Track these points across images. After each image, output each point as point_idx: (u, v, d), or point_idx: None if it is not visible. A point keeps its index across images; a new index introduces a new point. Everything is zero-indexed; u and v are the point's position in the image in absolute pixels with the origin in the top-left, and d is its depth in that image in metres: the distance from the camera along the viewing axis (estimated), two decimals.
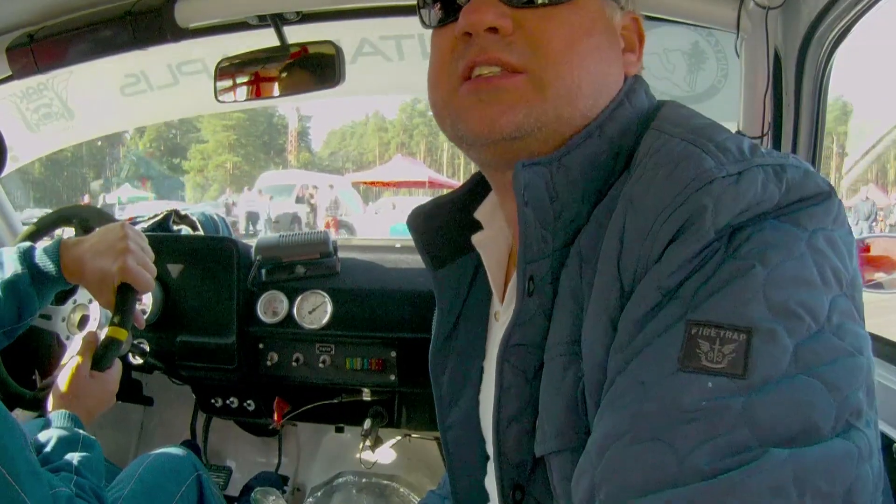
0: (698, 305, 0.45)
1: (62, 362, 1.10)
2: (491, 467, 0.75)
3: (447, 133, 0.66)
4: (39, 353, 1.40)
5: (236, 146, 38.43)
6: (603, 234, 0.54)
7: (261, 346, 1.57)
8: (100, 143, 36.55)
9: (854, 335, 0.44)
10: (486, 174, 0.70)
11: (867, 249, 1.39)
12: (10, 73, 1.33)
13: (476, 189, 0.76)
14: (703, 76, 1.73)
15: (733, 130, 1.06)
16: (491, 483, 0.75)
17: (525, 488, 0.62)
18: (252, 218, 16.86)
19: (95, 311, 1.45)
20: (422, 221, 0.76)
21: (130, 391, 1.89)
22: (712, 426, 0.40)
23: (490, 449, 0.72)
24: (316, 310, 1.54)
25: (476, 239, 0.74)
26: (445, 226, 0.76)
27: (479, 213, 0.75)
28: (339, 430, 1.87)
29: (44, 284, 1.09)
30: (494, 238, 0.73)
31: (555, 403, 0.56)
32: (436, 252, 0.77)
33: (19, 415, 1.24)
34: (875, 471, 0.41)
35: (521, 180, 0.58)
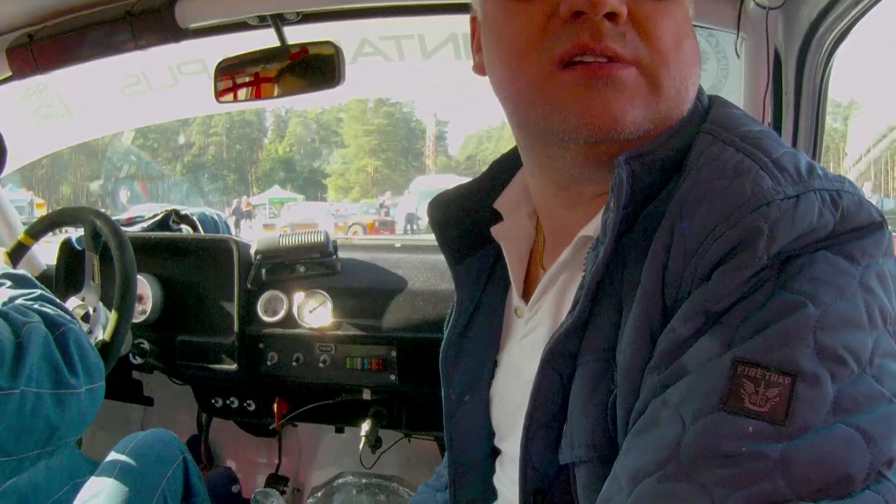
0: (745, 340, 0.43)
1: None
2: (500, 465, 0.75)
3: (533, 124, 0.58)
4: None
5: (377, 151, 39.96)
6: (648, 239, 0.52)
7: (261, 345, 1.57)
8: (238, 146, 39.41)
9: (892, 377, 0.43)
10: (547, 170, 0.63)
11: None
12: (10, 73, 1.33)
13: (497, 178, 0.74)
14: (703, 76, 1.72)
15: None
16: (501, 482, 0.74)
17: (547, 493, 0.60)
18: (410, 219, 18.17)
19: (99, 312, 1.45)
20: (441, 211, 0.74)
21: (130, 391, 1.89)
22: (749, 473, 0.39)
23: (505, 449, 0.72)
24: (316, 310, 1.54)
25: (496, 231, 0.72)
26: (465, 216, 0.73)
27: (500, 204, 0.72)
28: (339, 430, 1.87)
29: None
30: (516, 230, 0.71)
31: (585, 411, 0.54)
32: (455, 245, 0.74)
33: None
34: None
35: (624, 177, 0.53)
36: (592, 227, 0.60)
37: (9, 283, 1.07)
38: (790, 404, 0.41)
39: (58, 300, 1.07)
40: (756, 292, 0.45)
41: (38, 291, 1.06)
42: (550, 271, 0.65)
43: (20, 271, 1.14)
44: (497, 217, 0.73)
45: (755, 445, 0.40)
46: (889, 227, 0.49)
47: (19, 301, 1.01)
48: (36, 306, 0.99)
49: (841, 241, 0.46)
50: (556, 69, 0.54)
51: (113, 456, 1.15)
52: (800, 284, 0.44)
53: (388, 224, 18.42)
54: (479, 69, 0.65)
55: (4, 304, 1.02)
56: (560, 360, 0.58)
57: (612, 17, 0.53)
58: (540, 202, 0.69)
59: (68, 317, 1.02)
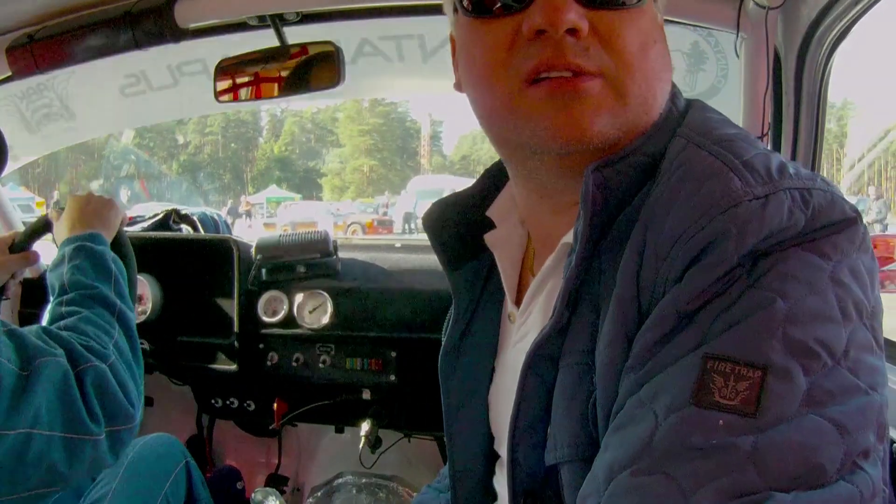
0: (715, 337, 0.44)
1: None
2: (500, 468, 0.75)
3: (506, 138, 0.61)
4: None
5: (373, 150, 40.35)
6: (623, 244, 0.53)
7: (261, 346, 1.57)
8: (233, 145, 39.76)
9: (869, 370, 0.44)
10: (527, 180, 0.65)
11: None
12: (10, 73, 1.33)
13: (489, 186, 0.75)
14: (703, 76, 1.73)
15: None
16: (500, 484, 0.75)
17: (537, 495, 0.61)
18: (408, 218, 18.88)
19: None
20: (437, 222, 0.75)
21: None
22: (720, 465, 0.40)
23: (503, 453, 0.72)
24: (316, 310, 1.54)
25: (489, 238, 0.73)
26: (459, 225, 0.75)
27: (492, 212, 0.74)
28: (339, 430, 1.87)
29: None
30: (508, 237, 0.72)
31: (567, 413, 0.56)
32: (451, 253, 0.76)
33: None
34: None
35: (590, 187, 0.55)
36: (573, 234, 0.61)
37: (81, 259, 1.01)
38: (760, 397, 0.41)
39: (120, 303, 1.00)
40: (727, 292, 0.45)
41: (100, 288, 0.99)
42: (537, 278, 0.66)
43: (101, 247, 1.07)
44: (491, 225, 0.74)
45: (726, 438, 0.41)
46: (864, 222, 0.49)
47: (63, 310, 0.95)
48: (67, 329, 0.90)
49: (812, 238, 0.46)
50: (523, 86, 0.56)
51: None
52: (769, 281, 0.44)
53: (387, 223, 18.78)
54: (459, 87, 0.67)
55: (63, 289, 0.98)
56: (542, 364, 0.59)
57: (573, 32, 0.54)
58: (526, 211, 0.70)
59: (109, 341, 0.93)
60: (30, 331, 0.87)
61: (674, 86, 0.63)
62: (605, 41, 0.55)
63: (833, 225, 0.47)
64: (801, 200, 0.47)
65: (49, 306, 1.00)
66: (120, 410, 0.88)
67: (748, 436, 0.40)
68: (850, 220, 0.48)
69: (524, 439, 0.61)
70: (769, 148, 1.20)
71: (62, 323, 0.93)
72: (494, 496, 0.76)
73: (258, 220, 23.14)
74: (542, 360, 0.59)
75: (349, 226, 17.65)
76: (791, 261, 0.45)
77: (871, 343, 0.45)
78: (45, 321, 0.98)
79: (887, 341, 1.01)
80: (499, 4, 0.57)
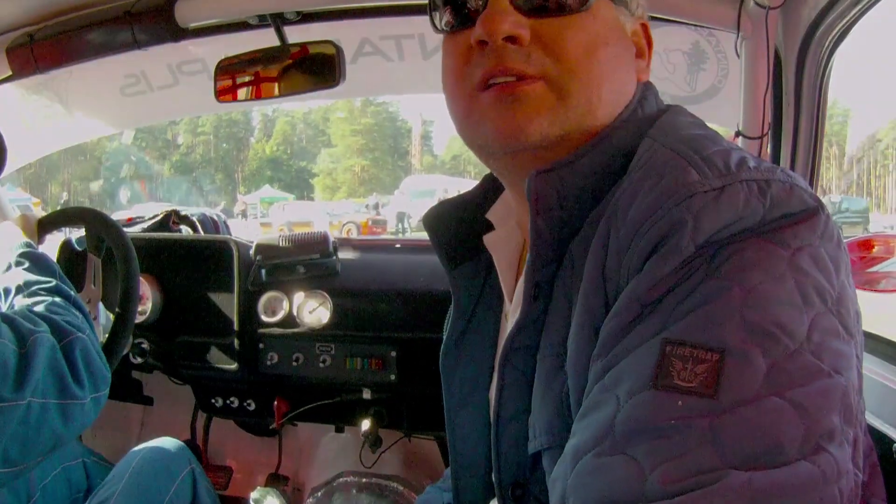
0: (675, 323, 0.45)
1: None
2: None
3: (468, 141, 0.66)
4: None
5: (365, 150, 40.53)
6: (592, 239, 0.55)
7: (261, 346, 1.57)
8: (225, 145, 39.93)
9: (834, 354, 0.44)
10: (504, 181, 0.70)
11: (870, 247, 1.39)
12: (10, 73, 1.33)
13: (489, 189, 0.77)
14: (703, 76, 1.72)
15: (733, 131, 1.06)
16: None
17: (525, 486, 0.63)
18: (401, 217, 19.03)
19: (99, 314, 1.45)
20: (437, 221, 0.77)
21: (130, 391, 1.89)
22: (678, 444, 0.41)
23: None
24: (316, 310, 1.54)
25: (487, 240, 0.75)
26: (460, 226, 0.77)
27: (492, 214, 0.76)
28: (339, 430, 1.87)
29: None
30: (506, 239, 0.74)
31: (545, 403, 0.58)
32: (452, 252, 0.78)
33: None
34: (846, 490, 0.41)
35: (534, 189, 0.58)
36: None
37: (27, 263, 1.07)
38: (719, 379, 0.42)
39: (73, 293, 1.07)
40: (686, 281, 0.46)
41: (54, 282, 1.05)
42: (522, 276, 0.67)
43: (40, 251, 1.13)
44: (491, 227, 0.76)
45: (684, 419, 0.41)
46: (827, 211, 0.49)
47: (29, 301, 1.00)
48: (43, 310, 0.97)
49: (771, 228, 0.46)
50: (476, 92, 0.61)
51: (121, 466, 1.15)
52: (727, 270, 0.45)
53: (381, 223, 19.12)
54: None
55: (21, 288, 1.03)
56: (520, 357, 0.61)
57: (514, 40, 0.58)
58: (516, 212, 0.73)
59: (79, 320, 1.01)
60: (16, 312, 0.94)
61: (649, 88, 0.66)
62: (547, 46, 0.59)
63: (792, 215, 0.47)
64: (758, 191, 0.47)
65: (8, 303, 1.05)
66: (102, 375, 0.97)
67: (706, 417, 0.41)
68: (810, 210, 0.48)
69: (507, 431, 0.63)
70: (769, 148, 1.21)
71: (34, 309, 0.99)
72: (494, 492, 0.77)
73: (253, 221, 23.28)
74: (518, 352, 0.61)
75: (344, 225, 17.85)
76: (749, 250, 0.46)
77: (838, 328, 0.45)
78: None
79: (887, 341, 1.01)
80: (456, 22, 0.63)
